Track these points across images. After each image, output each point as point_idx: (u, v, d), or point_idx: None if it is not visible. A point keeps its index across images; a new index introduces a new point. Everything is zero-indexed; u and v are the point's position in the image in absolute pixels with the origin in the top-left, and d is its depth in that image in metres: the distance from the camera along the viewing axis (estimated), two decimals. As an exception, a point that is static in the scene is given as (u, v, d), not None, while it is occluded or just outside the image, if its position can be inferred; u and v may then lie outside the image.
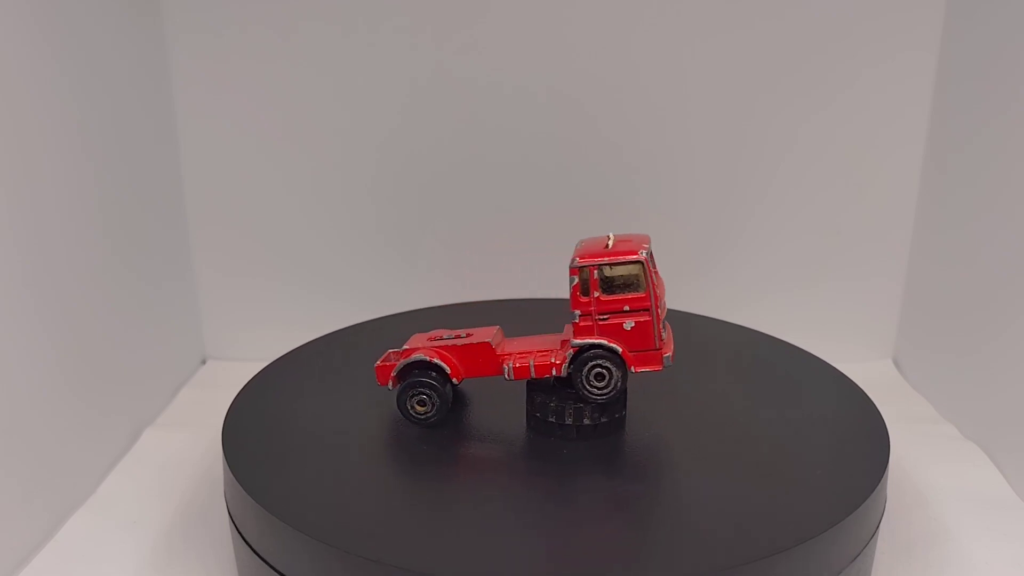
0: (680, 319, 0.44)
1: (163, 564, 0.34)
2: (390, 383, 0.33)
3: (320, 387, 0.36)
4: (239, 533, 0.30)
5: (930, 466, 0.41)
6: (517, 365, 0.32)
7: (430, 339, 0.34)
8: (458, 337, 0.34)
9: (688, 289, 0.52)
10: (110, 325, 0.42)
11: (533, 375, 0.32)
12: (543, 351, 0.32)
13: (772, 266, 0.52)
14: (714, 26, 0.48)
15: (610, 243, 0.31)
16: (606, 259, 0.30)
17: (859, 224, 0.51)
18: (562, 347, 0.32)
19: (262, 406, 0.35)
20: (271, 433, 0.33)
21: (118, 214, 0.43)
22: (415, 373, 0.33)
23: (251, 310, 0.52)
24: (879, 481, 0.30)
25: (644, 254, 0.30)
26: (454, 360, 0.33)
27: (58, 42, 0.38)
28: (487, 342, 0.32)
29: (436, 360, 0.33)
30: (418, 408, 0.33)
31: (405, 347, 0.34)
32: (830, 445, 0.32)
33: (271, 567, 0.28)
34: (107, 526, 0.36)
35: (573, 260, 0.31)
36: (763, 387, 0.36)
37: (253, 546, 0.29)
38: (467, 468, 0.31)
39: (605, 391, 0.31)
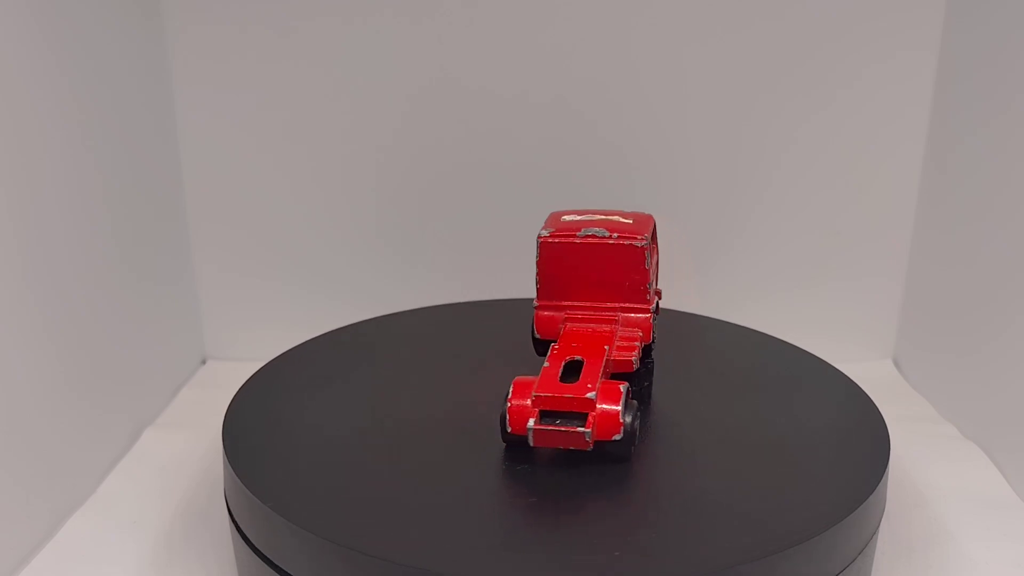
0: (680, 319, 0.44)
1: (163, 564, 0.34)
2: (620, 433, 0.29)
3: (319, 386, 0.36)
4: (239, 532, 0.30)
5: (930, 466, 0.41)
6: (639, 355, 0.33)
7: (551, 372, 0.30)
8: (568, 356, 0.31)
9: (688, 289, 0.52)
10: (110, 325, 0.42)
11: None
12: (617, 337, 0.33)
13: (772, 266, 0.52)
14: (713, 26, 0.48)
15: (620, 219, 0.34)
16: (648, 234, 0.33)
17: (859, 224, 0.51)
18: (624, 323, 0.33)
19: (262, 404, 0.35)
20: (271, 430, 0.33)
21: (118, 214, 0.43)
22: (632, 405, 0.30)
23: (251, 310, 0.52)
24: (879, 481, 0.30)
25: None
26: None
27: (58, 41, 0.38)
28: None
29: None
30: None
31: (567, 395, 0.29)
32: (830, 445, 0.32)
33: (272, 565, 0.28)
34: (107, 526, 0.36)
35: (643, 239, 0.32)
36: (763, 387, 0.36)
37: (254, 544, 0.29)
38: (468, 464, 0.31)
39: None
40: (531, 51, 0.48)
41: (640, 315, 0.33)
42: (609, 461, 0.30)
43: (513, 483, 0.30)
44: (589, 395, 0.29)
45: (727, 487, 0.29)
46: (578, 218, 0.34)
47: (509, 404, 0.29)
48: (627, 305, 0.33)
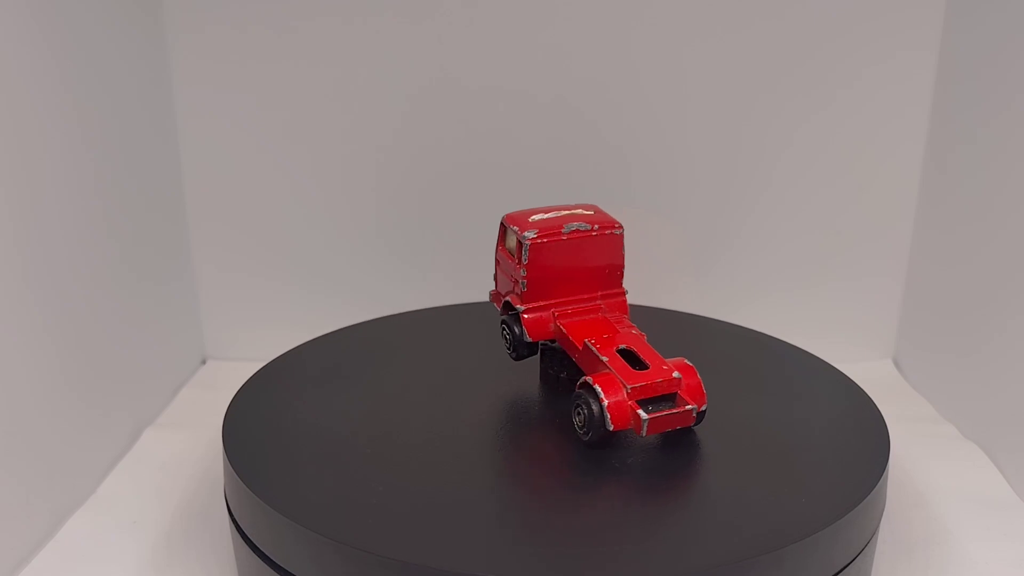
0: (680, 319, 0.44)
1: (163, 564, 0.34)
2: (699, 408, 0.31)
3: (320, 386, 0.36)
4: (239, 531, 0.30)
5: (930, 466, 0.41)
6: None
7: (621, 363, 0.31)
8: (613, 347, 0.32)
9: (688, 289, 0.52)
10: (110, 325, 0.42)
11: None
12: (611, 322, 0.34)
13: (772, 266, 0.52)
14: (713, 26, 0.48)
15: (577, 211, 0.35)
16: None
17: (859, 224, 0.51)
18: (610, 306, 0.35)
19: (262, 404, 0.35)
20: (271, 430, 0.33)
21: (118, 214, 0.43)
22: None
23: (251, 310, 0.52)
24: (879, 481, 0.30)
25: None
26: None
27: (58, 41, 0.38)
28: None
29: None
30: None
31: (658, 380, 0.30)
32: (830, 445, 0.32)
33: (272, 565, 0.29)
34: (107, 526, 0.36)
35: (620, 226, 0.34)
36: (763, 387, 0.36)
37: (254, 543, 0.29)
38: (468, 463, 0.31)
39: None
40: (531, 51, 0.48)
41: (617, 298, 0.35)
42: (607, 460, 0.30)
43: (511, 482, 0.30)
44: (675, 375, 0.30)
45: (727, 486, 0.29)
46: (545, 216, 0.34)
47: (607, 402, 0.30)
48: (606, 292, 0.35)
